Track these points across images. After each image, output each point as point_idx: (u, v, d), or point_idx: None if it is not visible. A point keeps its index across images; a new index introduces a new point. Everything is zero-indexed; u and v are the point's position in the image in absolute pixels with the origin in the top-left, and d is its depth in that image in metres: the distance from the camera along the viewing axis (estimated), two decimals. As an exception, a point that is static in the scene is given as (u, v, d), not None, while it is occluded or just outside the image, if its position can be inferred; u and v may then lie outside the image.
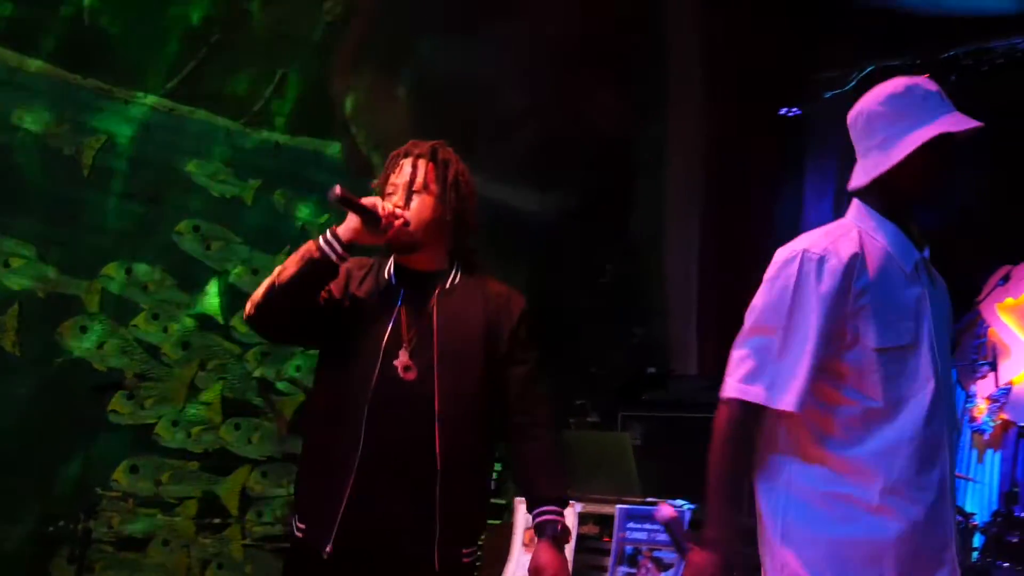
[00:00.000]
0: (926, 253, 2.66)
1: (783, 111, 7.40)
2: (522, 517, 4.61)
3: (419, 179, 2.96)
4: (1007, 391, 6.94)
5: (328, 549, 2.81)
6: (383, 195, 2.95)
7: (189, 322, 5.48)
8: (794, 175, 7.59)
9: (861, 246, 2.58)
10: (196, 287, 5.52)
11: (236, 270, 5.63)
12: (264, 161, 5.80)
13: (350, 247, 2.83)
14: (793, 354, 2.55)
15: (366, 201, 2.84)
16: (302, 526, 2.90)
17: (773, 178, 7.59)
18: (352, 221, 2.84)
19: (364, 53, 6.00)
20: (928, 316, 2.57)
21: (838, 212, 7.35)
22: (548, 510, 2.92)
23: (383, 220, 2.84)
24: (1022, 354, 7.14)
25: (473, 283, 3.01)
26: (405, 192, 2.94)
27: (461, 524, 2.89)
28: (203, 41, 5.56)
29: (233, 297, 5.57)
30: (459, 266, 3.03)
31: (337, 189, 2.76)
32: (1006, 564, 5.55)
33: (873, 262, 2.57)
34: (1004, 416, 6.97)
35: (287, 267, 2.85)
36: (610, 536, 4.39)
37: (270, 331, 2.99)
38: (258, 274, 5.64)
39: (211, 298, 5.54)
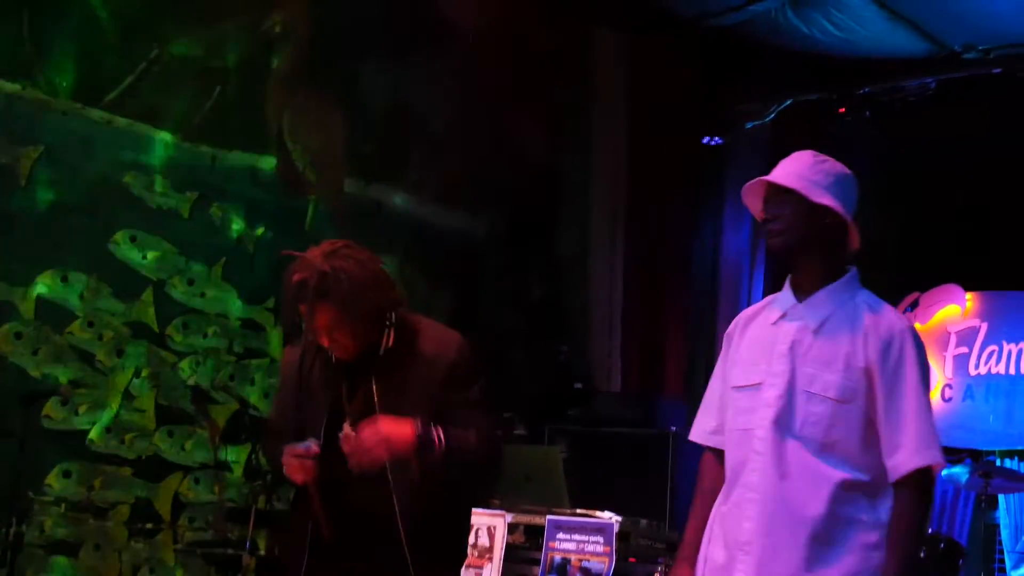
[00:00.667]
0: None
1: (705, 140, 7.64)
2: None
3: (326, 324, 2.99)
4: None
5: None
6: (302, 330, 3.04)
7: (124, 330, 5.52)
8: (714, 201, 7.83)
9: None
10: (132, 296, 5.56)
11: (172, 279, 5.67)
12: (201, 175, 5.85)
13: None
14: None
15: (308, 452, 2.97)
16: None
17: (694, 204, 7.83)
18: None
19: (301, 73, 6.10)
20: None
21: (755, 238, 7.62)
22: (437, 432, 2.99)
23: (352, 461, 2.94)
24: (931, 377, 7.43)
25: (406, 343, 3.09)
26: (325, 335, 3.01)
27: (434, 564, 3.05)
28: (142, 56, 5.61)
29: (168, 306, 5.63)
30: (389, 333, 3.07)
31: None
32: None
33: None
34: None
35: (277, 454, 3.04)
36: (539, 547, 4.52)
37: None
38: (193, 284, 5.72)
39: (146, 307, 5.58)
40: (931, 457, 2.69)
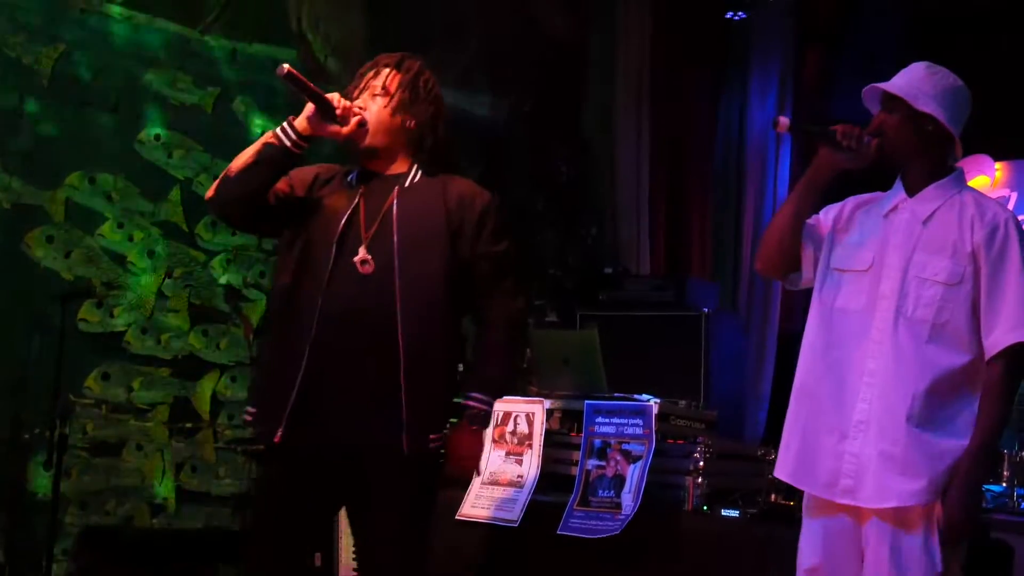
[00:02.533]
0: None
1: (729, 15, 7.48)
2: (492, 415, 4.72)
3: (380, 84, 3.06)
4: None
5: (277, 438, 2.93)
6: (350, 98, 3.03)
7: (154, 230, 5.50)
8: (738, 78, 7.69)
9: None
10: (159, 195, 5.53)
11: (199, 178, 5.63)
12: (222, 69, 5.77)
13: (308, 138, 2.95)
14: None
15: (330, 95, 2.95)
16: (252, 411, 3.03)
17: (719, 79, 7.70)
18: (307, 111, 2.95)
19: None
20: None
21: (780, 112, 7.50)
22: (474, 397, 3.13)
23: (339, 111, 2.95)
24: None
25: (435, 182, 3.08)
26: (367, 95, 3.05)
27: (428, 411, 3.02)
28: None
29: (196, 205, 5.59)
30: (419, 168, 3.09)
31: (284, 66, 2.86)
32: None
33: None
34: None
35: (244, 152, 2.96)
36: (578, 431, 4.53)
37: (227, 215, 3.09)
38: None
39: (175, 206, 5.56)
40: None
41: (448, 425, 3.14)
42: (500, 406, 4.69)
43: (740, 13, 7.52)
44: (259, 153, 2.95)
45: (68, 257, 5.25)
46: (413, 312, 2.95)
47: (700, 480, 4.22)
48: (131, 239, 5.42)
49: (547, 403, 4.63)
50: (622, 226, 7.09)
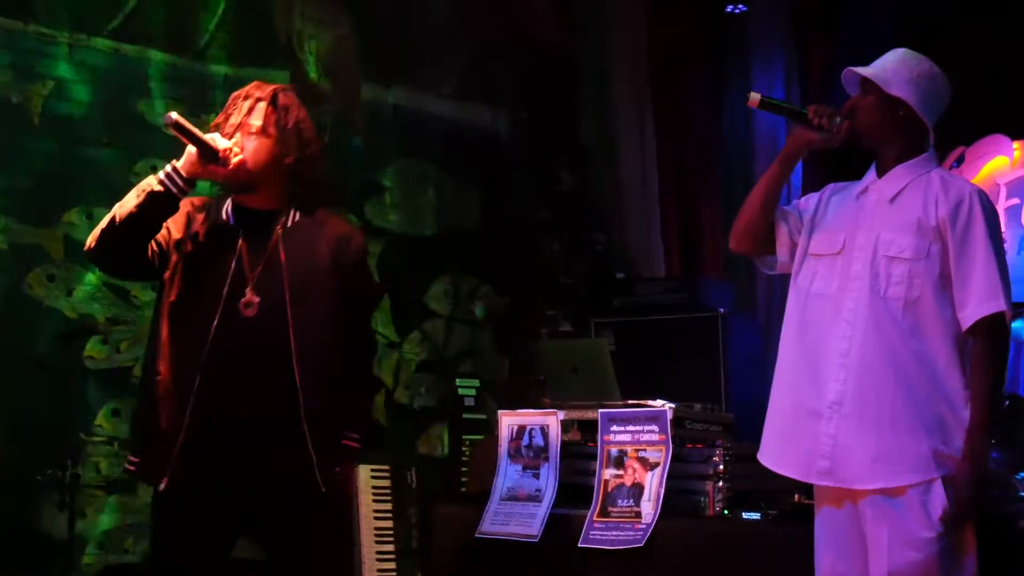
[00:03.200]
0: None
1: (729, 8, 7.40)
2: (506, 429, 4.67)
3: (257, 122, 3.12)
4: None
5: (162, 486, 2.97)
6: (222, 133, 3.11)
7: (156, 263, 5.45)
8: (741, 71, 7.61)
9: None
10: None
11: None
12: (215, 95, 5.72)
13: (191, 181, 3.02)
14: None
15: (207, 137, 3.01)
16: (135, 460, 3.06)
17: (721, 75, 7.62)
18: (190, 155, 3.01)
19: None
20: None
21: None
22: (348, 437, 3.22)
23: (220, 155, 3.02)
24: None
25: (314, 222, 3.18)
26: (243, 133, 3.10)
27: (334, 444, 3.12)
28: (142, -22, 5.47)
29: (197, 234, 5.54)
30: (297, 206, 3.18)
31: (172, 115, 2.94)
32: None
33: None
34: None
35: (127, 201, 3.00)
36: (594, 441, 4.46)
37: (110, 265, 3.21)
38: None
39: (175, 237, 5.50)
40: (996, 306, 2.89)
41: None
42: (514, 419, 4.64)
43: (740, 6, 7.44)
44: (143, 202, 2.98)
45: (70, 295, 5.21)
46: (307, 353, 3.03)
47: (720, 484, 4.14)
48: (134, 272, 5.37)
49: (561, 414, 4.56)
50: (631, 230, 7.01)
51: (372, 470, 5.37)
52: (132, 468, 3.08)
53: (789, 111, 3.20)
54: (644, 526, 4.09)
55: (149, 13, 5.48)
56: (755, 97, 3.15)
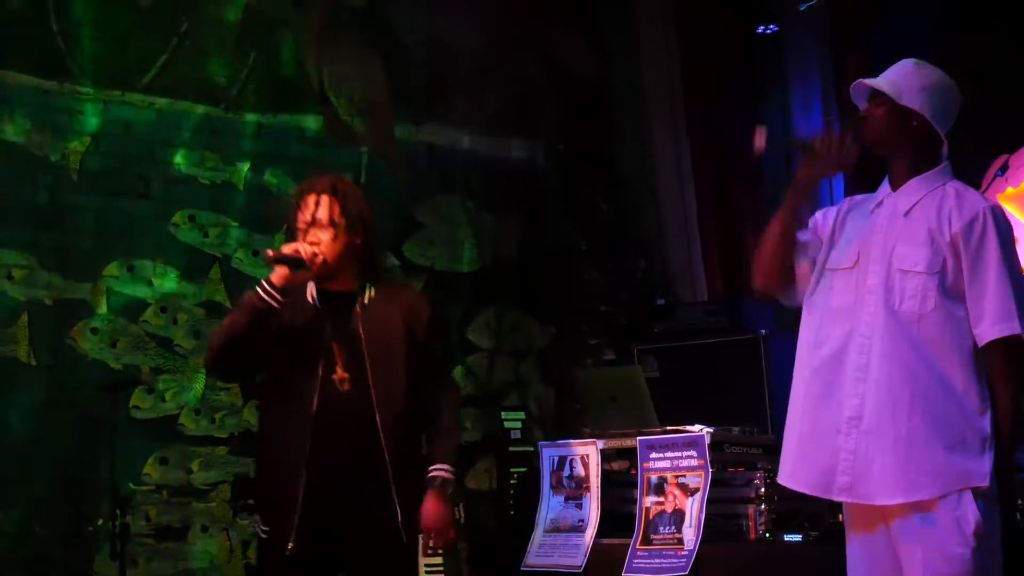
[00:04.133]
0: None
1: (760, 29, 7.37)
2: (547, 460, 4.67)
3: (325, 216, 3.42)
4: (1018, 280, 6.97)
5: (290, 545, 3.33)
6: (295, 231, 3.46)
7: (197, 311, 5.52)
8: (778, 92, 7.56)
9: None
10: (199, 276, 5.56)
11: (237, 254, 5.66)
12: (249, 143, 5.80)
13: (285, 291, 3.35)
14: None
15: (289, 249, 3.38)
16: (266, 528, 3.44)
17: (756, 96, 7.58)
18: (281, 271, 3.35)
19: (332, 23, 6.00)
20: None
21: (827, 122, 7.38)
22: (435, 468, 3.49)
23: (306, 259, 3.37)
24: (1024, 248, 7.14)
25: (386, 296, 3.53)
26: (316, 228, 3.42)
27: (414, 498, 3.45)
28: (173, 31, 5.55)
29: (237, 280, 5.59)
30: (371, 283, 3.51)
31: (269, 252, 3.38)
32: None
33: None
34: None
35: (235, 319, 3.39)
36: (634, 470, 4.44)
37: (231, 375, 4.04)
38: (259, 255, 5.68)
39: (216, 284, 5.58)
40: (1010, 328, 2.87)
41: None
42: (554, 451, 4.64)
43: (771, 26, 7.41)
44: (251, 319, 3.34)
45: (115, 347, 5.29)
46: (389, 421, 3.38)
47: (763, 507, 4.10)
48: (175, 322, 5.45)
49: (600, 443, 4.55)
50: (672, 255, 6.98)
51: (422, 507, 5.35)
52: (264, 536, 3.46)
53: (798, 147, 3.23)
54: (687, 552, 4.06)
55: (181, 66, 5.58)
56: (759, 142, 3.24)
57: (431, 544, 3.52)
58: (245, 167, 5.75)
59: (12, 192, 5.14)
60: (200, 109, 5.65)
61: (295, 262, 3.36)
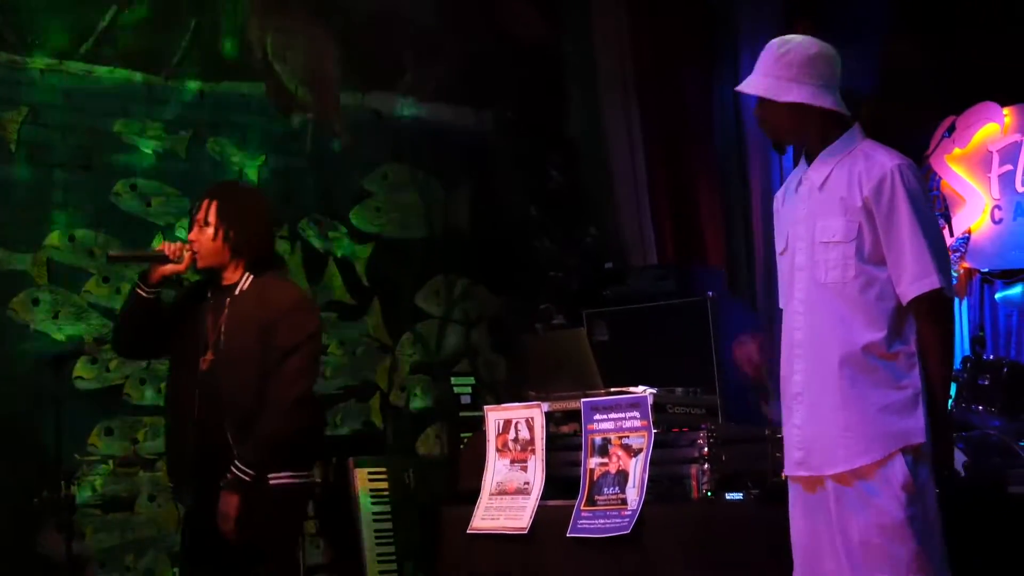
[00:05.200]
0: None
1: (711, -3, 7.36)
2: (493, 424, 4.66)
3: (203, 216, 3.85)
4: (966, 240, 7.02)
5: (190, 503, 3.92)
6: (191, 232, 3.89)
7: (140, 281, 5.47)
8: (729, 58, 7.56)
9: None
10: (142, 245, 5.48)
11: (180, 223, 5.59)
12: (191, 112, 5.73)
13: (157, 285, 3.86)
14: None
15: (151, 250, 4.05)
16: (172, 485, 4.20)
17: (707, 64, 7.57)
18: (155, 266, 3.85)
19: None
20: None
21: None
22: (235, 466, 3.72)
23: (172, 255, 3.81)
24: (976, 202, 7.18)
25: (259, 290, 3.85)
26: (197, 228, 3.85)
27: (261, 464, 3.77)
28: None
29: (180, 250, 5.54)
30: (255, 275, 3.86)
31: (110, 253, 4.24)
32: (980, 407, 5.65)
33: None
34: (966, 265, 7.05)
35: (122, 309, 4.02)
36: (579, 432, 4.44)
37: (133, 355, 4.42)
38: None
39: (159, 254, 5.52)
40: (929, 283, 2.91)
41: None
42: (499, 414, 4.64)
43: (722, -6, 7.40)
44: (131, 309, 3.92)
45: (56, 318, 5.24)
46: (234, 408, 3.75)
47: (706, 467, 4.11)
48: (118, 292, 5.38)
49: (545, 406, 4.55)
50: (622, 221, 6.98)
51: (369, 473, 5.39)
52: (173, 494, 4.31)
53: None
54: (630, 512, 4.08)
55: (120, 34, 5.50)
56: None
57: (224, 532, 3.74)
58: (188, 135, 5.69)
59: (-51, 163, 5.08)
60: (140, 77, 5.57)
61: (153, 257, 3.89)
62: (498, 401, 5.61)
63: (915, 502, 2.89)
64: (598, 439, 4.33)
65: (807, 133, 3.09)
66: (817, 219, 3.05)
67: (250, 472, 3.72)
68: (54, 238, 5.27)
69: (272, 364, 3.76)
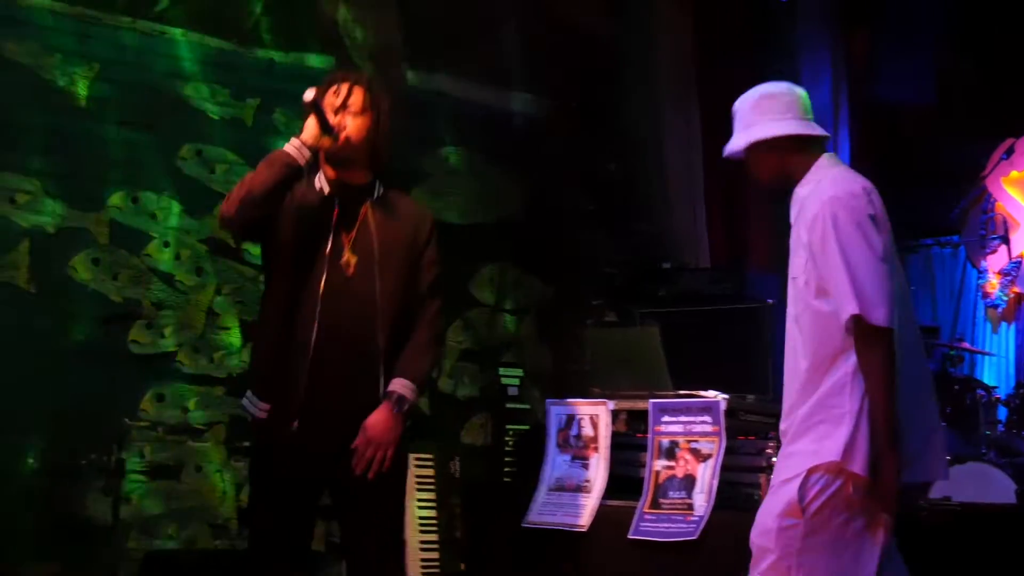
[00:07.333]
0: None
1: (775, -2, 7.31)
2: (555, 418, 4.62)
3: (358, 103, 3.40)
4: (1018, 264, 6.97)
5: (295, 424, 3.30)
6: (321, 113, 3.34)
7: (200, 247, 5.41)
8: (787, 61, 7.50)
9: None
10: (204, 212, 5.44)
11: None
12: (260, 80, 5.67)
13: (313, 149, 3.33)
14: None
15: (324, 104, 3.33)
16: (266, 406, 3.35)
17: (767, 65, 7.51)
18: (312, 128, 3.31)
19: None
20: None
21: (836, 94, 7.34)
22: (397, 382, 3.37)
23: (335, 128, 3.33)
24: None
25: (394, 197, 3.53)
26: (345, 113, 3.38)
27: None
28: (188, -41, 5.42)
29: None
30: (381, 183, 3.50)
31: (312, 93, 3.28)
32: (1028, 433, 5.62)
33: None
34: (1017, 289, 7.02)
35: (261, 173, 3.31)
36: (642, 432, 4.40)
37: (246, 232, 3.52)
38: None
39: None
40: (848, 310, 2.97)
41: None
42: (563, 409, 4.59)
43: (785, -4, 7.35)
44: (282, 173, 3.30)
45: (116, 279, 5.17)
46: (388, 312, 3.37)
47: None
48: (178, 257, 5.33)
49: (611, 404, 4.50)
50: (676, 219, 6.93)
51: (416, 459, 5.31)
52: (263, 415, 3.35)
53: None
54: (697, 518, 4.03)
55: (195, -4, 5.44)
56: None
57: (365, 455, 3.30)
58: (255, 104, 5.63)
59: (18, 115, 4.99)
60: (212, 41, 5.51)
61: (327, 126, 3.31)
62: (543, 393, 5.56)
63: (796, 515, 3.02)
64: (665, 441, 4.28)
65: (784, 173, 3.23)
66: (791, 255, 3.19)
67: (413, 388, 3.38)
68: (117, 199, 5.21)
69: (417, 290, 3.47)
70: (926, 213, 7.55)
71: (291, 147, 3.31)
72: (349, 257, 3.36)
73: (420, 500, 5.36)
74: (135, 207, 5.25)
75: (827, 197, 3.05)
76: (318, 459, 3.34)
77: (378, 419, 3.32)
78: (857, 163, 6.94)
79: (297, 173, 3.31)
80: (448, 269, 6.05)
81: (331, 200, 3.42)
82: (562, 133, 6.79)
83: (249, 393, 3.42)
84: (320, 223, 3.37)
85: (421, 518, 5.33)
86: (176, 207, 5.35)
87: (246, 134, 5.60)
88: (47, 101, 5.07)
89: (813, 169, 3.19)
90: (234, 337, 5.47)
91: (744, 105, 3.29)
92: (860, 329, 2.96)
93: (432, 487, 5.38)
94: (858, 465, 2.98)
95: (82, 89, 5.15)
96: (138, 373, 5.19)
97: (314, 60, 5.85)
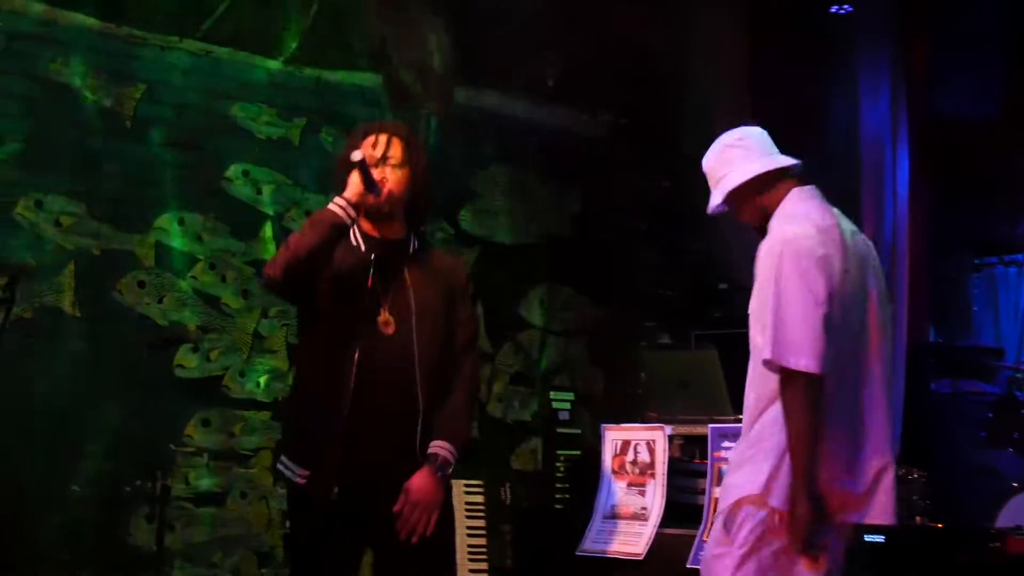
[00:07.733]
0: None
1: (834, 9, 7.14)
2: (610, 444, 4.49)
3: (398, 156, 3.32)
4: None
5: (336, 490, 3.22)
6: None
7: (247, 270, 5.33)
8: (845, 75, 7.36)
9: None
10: (250, 233, 5.37)
11: (289, 213, 5.46)
12: (307, 99, 5.61)
13: (357, 207, 3.23)
14: None
15: (366, 159, 3.24)
16: (306, 473, 3.25)
17: (824, 79, 7.37)
18: (356, 185, 3.21)
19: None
20: None
21: (895, 110, 7.17)
22: (438, 444, 3.29)
23: (379, 184, 3.25)
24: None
25: (430, 251, 3.49)
26: (385, 166, 3.29)
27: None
28: (234, -21, 5.37)
29: (288, 241, 5.42)
30: (416, 238, 3.41)
31: (360, 153, 3.20)
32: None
33: None
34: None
35: (306, 235, 3.20)
36: (702, 457, 4.28)
37: (295, 293, 3.36)
38: (311, 215, 5.47)
39: (267, 243, 5.38)
40: (767, 352, 2.98)
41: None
42: (618, 434, 4.48)
43: (845, 7, 7.17)
44: (331, 233, 3.19)
45: (161, 302, 5.11)
46: (426, 372, 3.28)
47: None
48: (224, 280, 5.26)
49: (668, 429, 4.37)
50: (734, 238, 6.76)
51: (465, 485, 5.19)
52: (303, 481, 3.27)
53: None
54: (758, 548, 3.87)
55: (240, 16, 5.37)
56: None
57: (410, 520, 3.21)
58: (302, 123, 5.55)
59: (64, 137, 4.95)
60: (259, 61, 5.46)
61: (371, 183, 3.22)
62: (594, 417, 5.43)
63: (724, 544, 3.09)
64: (725, 468, 4.12)
65: (759, 212, 3.30)
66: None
67: (453, 451, 3.30)
68: (163, 221, 5.15)
69: (453, 346, 3.39)
70: (989, 231, 7.36)
71: (336, 207, 3.21)
72: (387, 317, 3.29)
73: (470, 528, 5.23)
74: (181, 229, 5.19)
75: (777, 239, 3.11)
76: (359, 523, 3.28)
77: (421, 482, 3.24)
78: (917, 178, 6.76)
79: (343, 233, 3.23)
80: (497, 290, 6.10)
81: (368, 258, 3.33)
82: (614, 150, 6.67)
83: (284, 459, 3.35)
84: (357, 282, 3.29)
85: (471, 546, 5.20)
86: (223, 228, 5.29)
87: (293, 154, 5.54)
88: (93, 122, 5.03)
89: (782, 204, 3.25)
90: (280, 361, 5.39)
91: (710, 162, 3.43)
92: (781, 371, 2.99)
93: (482, 514, 5.24)
94: (777, 499, 3.02)
95: (128, 110, 5.11)
96: (183, 398, 5.12)
97: (361, 78, 5.78)
